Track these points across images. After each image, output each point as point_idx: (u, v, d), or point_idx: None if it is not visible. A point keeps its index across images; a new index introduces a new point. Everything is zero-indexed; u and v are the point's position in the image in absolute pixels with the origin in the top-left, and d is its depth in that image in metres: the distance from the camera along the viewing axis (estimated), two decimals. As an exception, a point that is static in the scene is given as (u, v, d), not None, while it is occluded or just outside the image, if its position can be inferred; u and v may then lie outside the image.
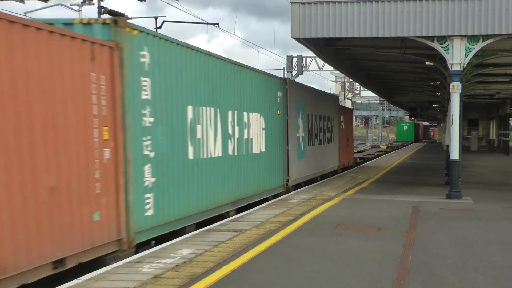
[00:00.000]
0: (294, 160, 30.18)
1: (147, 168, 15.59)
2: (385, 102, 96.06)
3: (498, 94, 59.94)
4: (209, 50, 20.85)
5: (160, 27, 32.94)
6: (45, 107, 11.49)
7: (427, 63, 32.59)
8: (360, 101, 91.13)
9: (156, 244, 15.13)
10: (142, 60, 15.22)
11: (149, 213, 15.68)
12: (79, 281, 11.06)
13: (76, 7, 24.42)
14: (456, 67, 24.52)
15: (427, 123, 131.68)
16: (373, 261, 13.08)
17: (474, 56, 25.71)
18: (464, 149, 42.87)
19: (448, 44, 24.55)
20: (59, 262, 11.75)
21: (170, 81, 17.01)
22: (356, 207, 22.03)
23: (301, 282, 11.20)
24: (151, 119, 15.63)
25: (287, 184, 28.89)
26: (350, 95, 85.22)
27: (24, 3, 25.26)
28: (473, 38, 24.34)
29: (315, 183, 31.64)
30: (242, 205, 23.06)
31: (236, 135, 22.75)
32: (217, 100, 20.57)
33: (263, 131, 26.02)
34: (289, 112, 29.49)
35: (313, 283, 11.12)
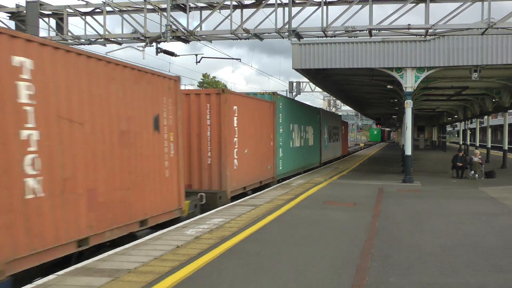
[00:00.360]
0: (324, 150, 41.54)
1: (280, 150, 26.82)
2: (359, 114, 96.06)
3: (438, 108, 62.27)
4: (293, 99, 43.29)
5: (199, 61, 33.07)
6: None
7: (388, 86, 32.81)
8: (341, 113, 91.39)
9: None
10: (279, 107, 26.80)
11: (281, 168, 26.98)
12: (142, 240, 11.35)
13: (140, 48, 24.61)
14: (409, 89, 25.50)
15: (388, 129, 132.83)
16: (351, 226, 13.39)
17: (421, 81, 26.26)
18: (415, 147, 43.45)
19: (403, 73, 25.38)
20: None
21: (287, 114, 28.59)
22: (338, 189, 22.34)
23: (300, 240, 11.54)
24: (281, 130, 26.93)
25: (320, 162, 39.73)
26: (333, 109, 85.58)
27: (105, 46, 25.48)
28: (420, 69, 25.38)
29: (309, 172, 31.98)
30: (306, 169, 34.17)
31: (304, 136, 33.84)
32: (299, 120, 31.95)
33: (312, 134, 36.88)
34: (321, 125, 40.12)
35: (309, 240, 11.47)
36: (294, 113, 30.84)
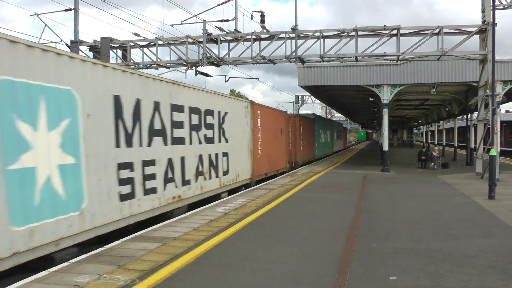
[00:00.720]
0: (334, 144, 48.99)
1: (316, 143, 34.93)
2: (348, 119, 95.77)
3: (407, 115, 62.24)
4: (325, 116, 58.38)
5: (227, 80, 33.43)
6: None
7: (370, 99, 32.95)
8: (335, 119, 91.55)
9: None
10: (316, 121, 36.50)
11: (316, 152, 35.18)
12: (185, 215, 11.19)
13: (183, 71, 24.56)
14: (385, 101, 25.38)
15: (371, 131, 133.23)
16: (343, 205, 13.17)
17: (395, 95, 26.08)
18: (390, 145, 43.29)
19: (381, 89, 25.30)
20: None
21: (319, 124, 37.49)
22: (333, 176, 22.05)
23: (305, 214, 11.35)
24: (316, 133, 35.11)
25: (332, 151, 47.02)
26: (329, 116, 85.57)
27: (157, 69, 25.44)
28: (394, 86, 25.40)
29: (310, 164, 31.64)
30: (326, 155, 41.73)
31: (325, 136, 41.47)
32: (323, 127, 39.64)
33: (329, 135, 44.31)
34: (332, 129, 47.93)
35: (311, 215, 11.26)
36: (321, 124, 39.69)
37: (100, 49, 25.08)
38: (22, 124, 7.06)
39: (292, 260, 7.25)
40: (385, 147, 26.00)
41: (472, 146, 32.53)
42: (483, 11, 20.36)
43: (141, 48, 24.29)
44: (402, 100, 35.62)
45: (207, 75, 26.72)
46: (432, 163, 28.29)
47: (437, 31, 20.49)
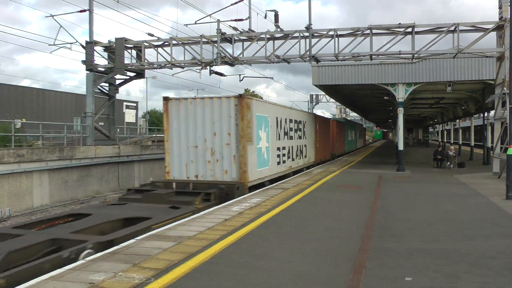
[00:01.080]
0: (357, 142, 55.54)
1: (345, 141, 43.25)
2: (363, 119, 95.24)
3: (422, 114, 61.10)
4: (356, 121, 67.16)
5: (242, 80, 33.61)
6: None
7: (385, 97, 32.62)
8: (350, 118, 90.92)
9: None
10: (345, 124, 46.30)
11: (346, 148, 42.92)
12: (199, 215, 11.20)
13: (198, 70, 24.67)
14: (401, 100, 25.09)
15: (385, 130, 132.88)
16: (358, 204, 13.10)
17: (410, 93, 25.84)
18: (405, 144, 42.94)
19: (396, 87, 25.05)
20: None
21: (347, 126, 45.59)
22: (348, 176, 21.95)
23: (320, 214, 11.30)
24: (345, 133, 42.41)
25: (356, 148, 53.87)
26: (344, 115, 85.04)
27: (172, 69, 25.57)
28: (409, 84, 25.07)
29: (325, 163, 31.61)
30: (351, 150, 47.98)
31: (352, 135, 47.60)
32: (350, 128, 45.31)
33: (354, 135, 50.34)
34: (356, 130, 54.19)
35: (325, 215, 11.23)
36: (348, 126, 48.30)
37: (114, 50, 25.27)
38: (259, 130, 17.75)
39: (306, 260, 7.23)
40: (400, 146, 25.83)
41: (489, 145, 32.16)
42: (500, 7, 20.13)
43: (156, 48, 24.41)
44: (417, 98, 35.35)
45: (221, 74, 26.81)
46: (448, 163, 28.04)
47: (452, 28, 20.33)
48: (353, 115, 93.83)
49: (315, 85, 27.36)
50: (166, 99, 17.25)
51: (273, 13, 22.01)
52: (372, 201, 13.76)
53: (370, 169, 26.45)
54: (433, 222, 10.38)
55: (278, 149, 20.47)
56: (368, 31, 21.21)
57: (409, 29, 20.68)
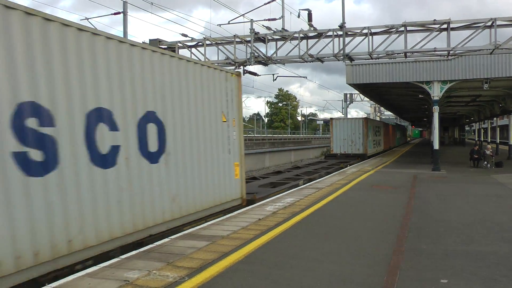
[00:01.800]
0: (400, 139, 66.38)
1: (396, 139, 62.26)
2: (398, 117, 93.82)
3: (458, 112, 60.03)
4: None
5: (275, 79, 33.66)
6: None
7: (420, 96, 32.21)
8: (384, 117, 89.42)
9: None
10: (394, 126, 62.69)
11: (396, 144, 59.25)
12: (232, 214, 11.28)
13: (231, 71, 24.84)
14: (436, 98, 24.48)
15: (421, 129, 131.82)
16: (392, 204, 12.94)
17: (445, 91, 25.23)
18: (441, 143, 42.58)
19: (431, 85, 24.51)
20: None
21: (396, 128, 63.75)
22: (382, 175, 21.69)
23: (354, 214, 11.21)
24: (396, 132, 60.62)
25: (399, 144, 65.09)
26: (378, 114, 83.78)
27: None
28: (444, 82, 24.41)
29: (360, 162, 31.35)
30: (396, 146, 58.68)
31: (398, 134, 57.00)
32: (396, 130, 59.66)
33: (399, 134, 55.86)
34: (400, 130, 59.22)
35: (359, 215, 11.13)
36: (397, 127, 60.89)
37: (150, 50, 25.59)
38: (369, 132, 37.21)
39: (340, 260, 7.19)
40: (436, 146, 25.30)
41: (528, 144, 31.33)
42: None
43: (189, 49, 24.63)
44: (453, 96, 34.63)
45: (255, 74, 26.85)
46: (485, 162, 27.36)
47: (489, 23, 19.80)
48: (387, 114, 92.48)
49: (349, 84, 27.06)
50: (331, 119, 38.52)
51: (307, 12, 21.89)
52: (407, 201, 13.55)
53: (405, 168, 26.07)
54: (470, 223, 10.16)
55: (374, 141, 40.26)
56: (402, 28, 20.90)
57: (444, 26, 20.27)
